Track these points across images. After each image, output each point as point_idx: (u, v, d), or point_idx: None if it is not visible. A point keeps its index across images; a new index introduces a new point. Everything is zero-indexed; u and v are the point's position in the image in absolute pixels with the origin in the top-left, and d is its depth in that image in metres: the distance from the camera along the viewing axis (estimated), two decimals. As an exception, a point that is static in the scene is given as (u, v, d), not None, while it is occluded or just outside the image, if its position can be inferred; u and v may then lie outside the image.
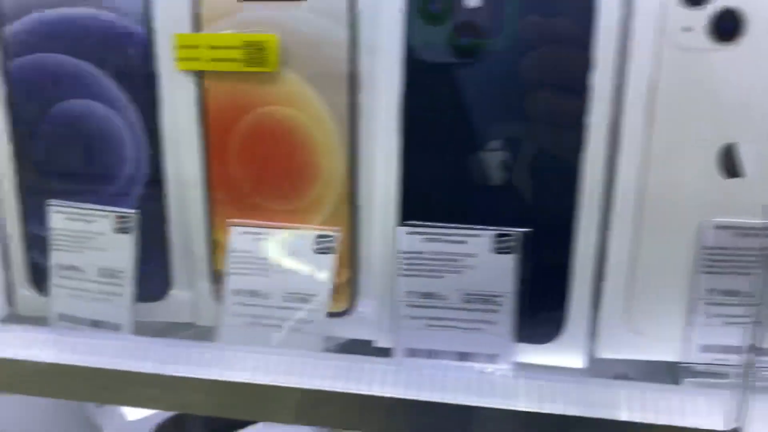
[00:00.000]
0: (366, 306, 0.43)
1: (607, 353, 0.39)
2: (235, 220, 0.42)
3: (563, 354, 0.40)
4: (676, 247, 0.38)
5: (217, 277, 0.45)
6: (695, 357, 0.38)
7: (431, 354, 0.40)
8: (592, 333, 0.39)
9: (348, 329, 0.43)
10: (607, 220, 0.38)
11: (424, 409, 0.37)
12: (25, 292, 0.47)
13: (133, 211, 0.42)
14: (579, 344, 0.40)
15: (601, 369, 0.39)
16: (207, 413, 0.40)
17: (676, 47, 0.36)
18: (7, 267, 0.47)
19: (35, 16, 0.42)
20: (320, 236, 0.41)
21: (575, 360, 0.40)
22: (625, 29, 0.36)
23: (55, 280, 0.45)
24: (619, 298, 0.39)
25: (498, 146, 0.38)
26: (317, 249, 0.41)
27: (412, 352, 0.40)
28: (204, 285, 0.45)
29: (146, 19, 0.41)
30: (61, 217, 0.44)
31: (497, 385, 0.37)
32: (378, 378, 0.38)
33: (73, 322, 0.45)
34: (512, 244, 0.38)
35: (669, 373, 0.38)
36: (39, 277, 0.47)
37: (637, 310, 0.39)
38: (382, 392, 0.37)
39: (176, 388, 0.39)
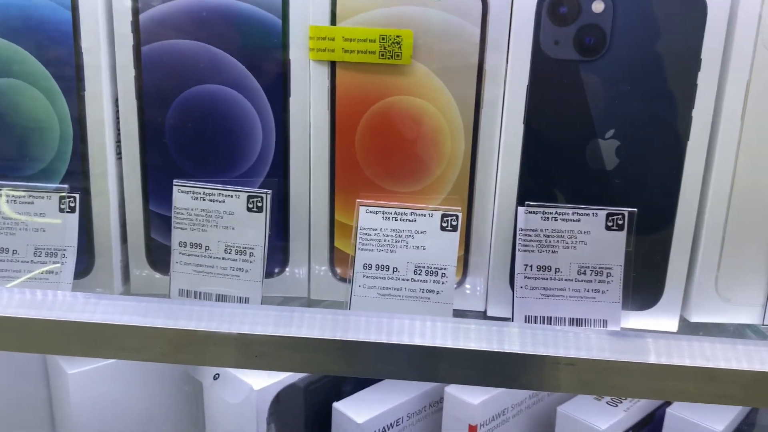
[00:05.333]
0: (475, 279, 0.48)
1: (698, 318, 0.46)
2: (364, 200, 0.46)
3: (661, 319, 0.45)
4: (760, 227, 0.44)
5: (335, 255, 0.48)
6: (774, 320, 0.45)
7: (547, 320, 0.45)
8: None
9: (459, 301, 0.48)
10: (703, 203, 0.44)
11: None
12: (141, 271, 0.49)
13: (265, 191, 0.45)
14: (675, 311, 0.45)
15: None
16: (334, 372, 0.43)
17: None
18: (125, 246, 0.49)
19: (173, 3, 0.44)
20: (446, 215, 0.45)
21: (672, 324, 0.46)
22: (729, 35, 0.42)
23: (177, 257, 0.47)
24: (711, 270, 0.45)
25: (612, 135, 0.43)
26: (443, 227, 0.45)
27: (529, 319, 0.45)
28: (322, 261, 0.48)
29: (283, 10, 0.44)
30: (186, 196, 0.46)
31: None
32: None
33: (195, 297, 0.47)
34: (621, 222, 0.43)
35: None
36: (157, 255, 0.49)
37: (725, 281, 0.45)
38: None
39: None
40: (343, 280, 0.49)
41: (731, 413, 0.50)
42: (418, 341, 0.40)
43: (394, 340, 0.41)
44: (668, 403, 0.52)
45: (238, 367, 0.43)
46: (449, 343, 0.39)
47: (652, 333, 0.42)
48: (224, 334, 0.41)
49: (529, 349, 0.41)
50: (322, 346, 0.41)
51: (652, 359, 0.40)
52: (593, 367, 0.40)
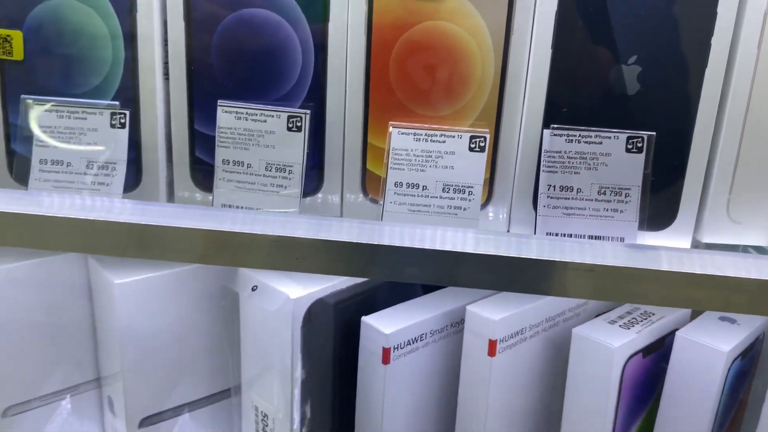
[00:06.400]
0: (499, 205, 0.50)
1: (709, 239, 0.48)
2: (397, 122, 0.48)
3: (675, 239, 0.48)
4: (772, 151, 0.46)
5: (367, 177, 0.51)
6: (782, 241, 0.47)
7: (568, 236, 0.47)
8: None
9: (483, 223, 0.51)
10: (719, 129, 0.47)
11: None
12: (185, 188, 0.52)
13: (304, 111, 0.48)
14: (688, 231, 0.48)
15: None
16: (367, 276, 0.46)
17: (787, -17, 0.44)
18: (170, 163, 0.52)
19: (221, -70, 0.47)
20: (474, 136, 0.47)
21: (685, 244, 0.48)
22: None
23: (220, 174, 0.50)
24: (723, 193, 0.47)
25: (634, 62, 0.46)
26: (471, 148, 0.47)
27: (551, 235, 0.48)
28: (355, 182, 0.51)
29: (325, -62, 0.46)
30: (230, 116, 0.49)
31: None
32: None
33: (235, 212, 0.50)
34: (641, 145, 0.46)
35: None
36: (200, 173, 0.52)
37: (737, 204, 0.47)
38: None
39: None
40: (374, 201, 0.52)
41: (738, 337, 0.53)
42: (443, 247, 0.43)
43: (419, 245, 0.44)
44: (677, 329, 0.55)
45: (281, 269, 0.46)
46: (472, 249, 0.42)
47: (667, 248, 0.45)
48: (267, 236, 0.44)
49: (547, 256, 0.43)
50: (355, 250, 0.44)
51: (666, 267, 0.42)
52: (611, 273, 0.42)
